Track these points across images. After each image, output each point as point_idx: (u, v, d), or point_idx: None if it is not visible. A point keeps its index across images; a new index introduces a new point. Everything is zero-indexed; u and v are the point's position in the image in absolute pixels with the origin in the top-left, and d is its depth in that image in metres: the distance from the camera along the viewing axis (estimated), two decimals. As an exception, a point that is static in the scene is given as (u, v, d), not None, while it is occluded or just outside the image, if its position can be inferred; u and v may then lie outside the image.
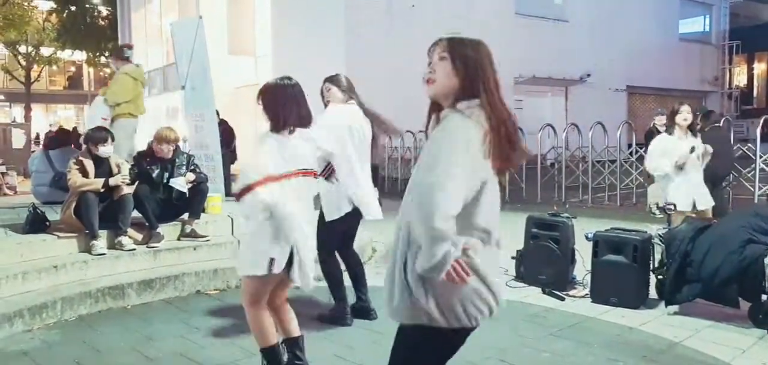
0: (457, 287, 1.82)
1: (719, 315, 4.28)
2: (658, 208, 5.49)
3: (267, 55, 17.94)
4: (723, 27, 25.25)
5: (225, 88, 15.68)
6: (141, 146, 6.32)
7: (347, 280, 4.30)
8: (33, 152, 12.93)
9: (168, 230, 5.56)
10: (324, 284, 4.23)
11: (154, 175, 5.49)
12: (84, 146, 5.43)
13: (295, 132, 2.94)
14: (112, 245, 5.19)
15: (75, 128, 13.65)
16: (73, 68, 39.07)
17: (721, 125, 8.41)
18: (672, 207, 5.11)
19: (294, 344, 3.12)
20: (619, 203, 10.07)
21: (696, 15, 24.90)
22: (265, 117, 2.98)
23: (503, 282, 5.04)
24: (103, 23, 29.24)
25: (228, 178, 7.95)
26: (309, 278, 2.97)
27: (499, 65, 1.94)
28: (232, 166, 9.13)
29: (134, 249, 5.20)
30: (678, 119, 5.27)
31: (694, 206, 5.27)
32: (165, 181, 5.54)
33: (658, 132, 6.83)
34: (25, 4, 27.96)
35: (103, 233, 5.14)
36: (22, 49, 30.21)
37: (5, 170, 10.70)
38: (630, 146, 12.06)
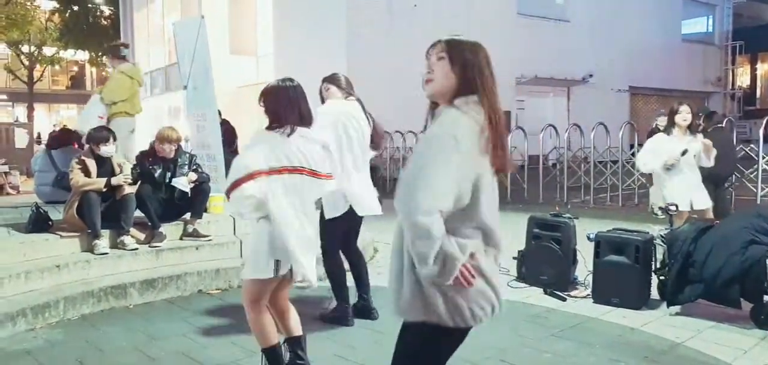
0: (465, 288, 1.84)
1: (721, 315, 4.28)
2: (659, 209, 5.49)
3: (268, 55, 17.98)
4: (726, 27, 25.18)
5: (227, 88, 15.70)
6: (142, 145, 6.33)
7: (350, 280, 4.30)
8: (36, 151, 12.96)
9: (170, 230, 5.58)
10: (326, 283, 4.24)
11: (156, 175, 5.51)
12: (86, 146, 5.45)
13: (295, 132, 2.94)
14: (115, 245, 5.21)
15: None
16: (75, 68, 39.09)
17: (723, 125, 8.41)
18: (674, 208, 5.11)
19: (295, 343, 3.12)
20: (621, 204, 10.06)
21: (699, 15, 24.86)
22: (267, 118, 3.00)
23: (504, 283, 5.04)
24: (105, 23, 29.24)
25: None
26: (311, 276, 2.97)
27: (498, 66, 1.95)
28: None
29: (136, 249, 5.22)
30: (677, 118, 5.27)
31: (691, 206, 5.27)
32: (167, 181, 5.55)
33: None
34: (28, 3, 27.96)
35: (105, 233, 5.16)
36: (25, 48, 30.21)
37: (8, 170, 10.73)
38: (632, 146, 12.03)
